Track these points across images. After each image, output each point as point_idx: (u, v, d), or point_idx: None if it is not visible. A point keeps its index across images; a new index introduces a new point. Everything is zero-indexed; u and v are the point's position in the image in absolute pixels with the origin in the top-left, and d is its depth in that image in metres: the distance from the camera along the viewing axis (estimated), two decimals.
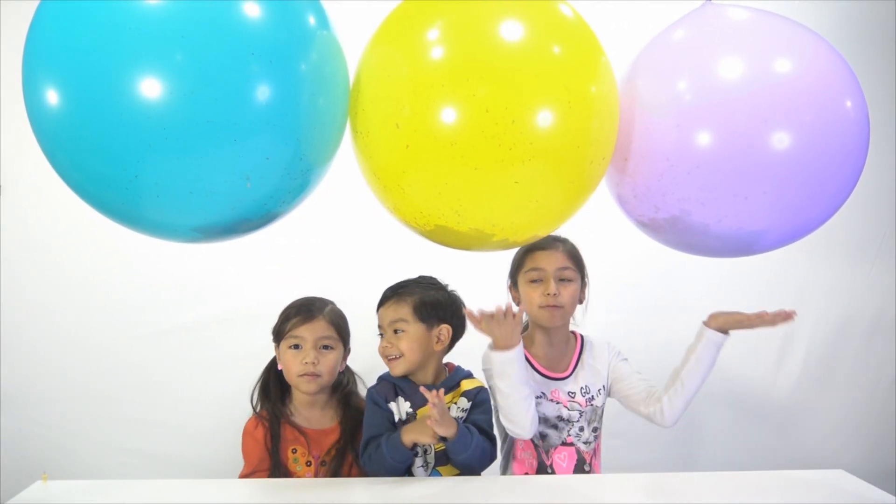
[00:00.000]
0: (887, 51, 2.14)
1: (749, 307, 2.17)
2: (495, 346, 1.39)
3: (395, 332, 1.47)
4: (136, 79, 0.90)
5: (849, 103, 1.13)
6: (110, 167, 0.96)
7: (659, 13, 1.37)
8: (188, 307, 2.12)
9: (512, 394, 1.39)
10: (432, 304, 1.49)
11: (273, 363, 1.58)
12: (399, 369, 1.47)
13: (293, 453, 1.50)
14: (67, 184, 1.03)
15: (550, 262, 1.51)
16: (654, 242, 1.35)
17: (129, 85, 0.90)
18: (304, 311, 1.52)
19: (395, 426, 1.46)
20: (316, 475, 1.50)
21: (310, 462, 1.50)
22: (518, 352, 1.38)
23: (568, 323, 1.58)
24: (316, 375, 1.49)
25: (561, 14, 1.10)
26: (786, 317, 1.38)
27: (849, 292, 2.20)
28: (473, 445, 1.39)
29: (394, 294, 1.50)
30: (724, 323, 1.44)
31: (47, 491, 1.35)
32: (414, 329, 1.47)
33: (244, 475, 1.50)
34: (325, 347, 1.52)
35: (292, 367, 1.50)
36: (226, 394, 2.04)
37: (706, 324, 1.45)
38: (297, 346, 1.50)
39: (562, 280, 1.51)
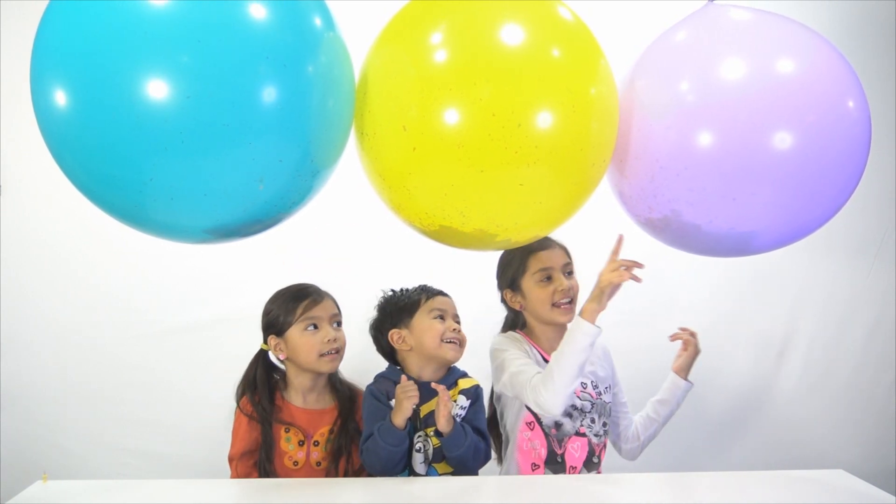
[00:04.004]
0: (887, 51, 2.14)
1: (749, 308, 2.19)
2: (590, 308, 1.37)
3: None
4: (148, 82, 0.90)
5: (851, 104, 1.13)
6: (124, 170, 0.96)
7: (662, 14, 1.37)
8: (189, 307, 2.12)
9: (575, 364, 1.36)
10: None
11: (259, 357, 1.58)
12: None
13: (286, 432, 1.51)
14: (75, 185, 1.03)
15: (556, 259, 1.56)
16: (653, 244, 1.36)
17: (141, 88, 0.90)
18: (311, 293, 1.54)
19: None
20: (308, 456, 1.51)
21: (302, 441, 1.51)
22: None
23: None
24: (337, 352, 1.53)
25: (562, 17, 1.11)
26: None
27: (849, 293, 2.20)
28: (467, 444, 1.43)
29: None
30: (681, 366, 1.65)
31: (47, 491, 1.34)
32: None
33: (236, 453, 1.49)
34: (338, 324, 1.56)
35: (313, 347, 1.50)
36: (227, 394, 2.03)
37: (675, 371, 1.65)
38: (314, 327, 1.51)
39: (569, 274, 1.57)
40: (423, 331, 1.52)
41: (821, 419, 2.20)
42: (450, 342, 1.51)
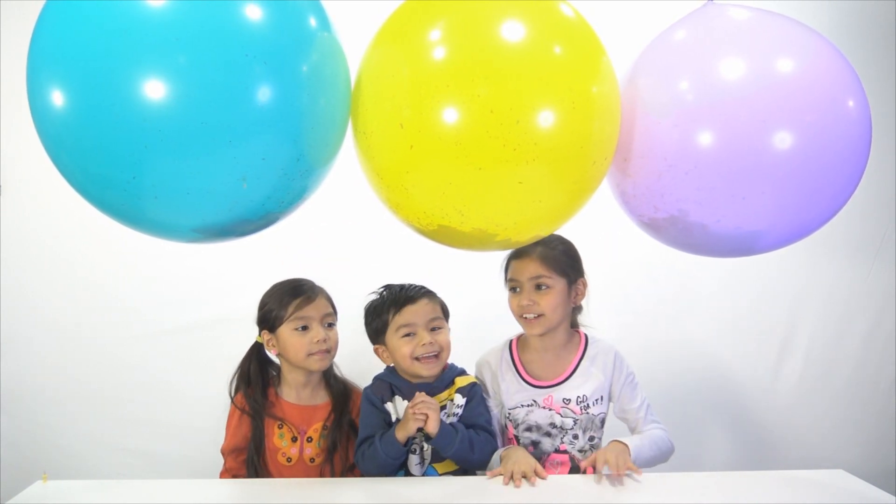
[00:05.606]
0: (887, 51, 2.14)
1: (749, 308, 2.19)
2: None
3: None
4: (138, 81, 0.90)
5: (851, 103, 1.13)
6: (110, 168, 0.96)
7: (662, 13, 1.37)
8: (189, 307, 2.12)
9: None
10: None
11: (254, 351, 1.59)
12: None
13: (279, 428, 1.51)
14: (71, 185, 1.04)
15: (524, 272, 1.48)
16: (651, 245, 1.35)
17: (131, 87, 0.91)
18: (305, 291, 1.53)
19: (391, 426, 1.47)
20: (301, 452, 1.51)
21: (295, 438, 1.51)
22: None
23: (562, 327, 1.54)
24: (328, 351, 1.52)
25: (563, 14, 1.10)
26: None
27: (849, 292, 2.20)
28: (458, 440, 1.42)
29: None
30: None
31: (47, 491, 1.35)
32: None
33: (226, 448, 1.51)
34: (330, 325, 1.55)
35: (302, 347, 1.50)
36: (226, 394, 2.04)
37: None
38: (304, 328, 1.51)
39: (538, 288, 1.48)
40: (394, 350, 1.49)
41: (821, 419, 2.20)
42: (424, 357, 1.46)
